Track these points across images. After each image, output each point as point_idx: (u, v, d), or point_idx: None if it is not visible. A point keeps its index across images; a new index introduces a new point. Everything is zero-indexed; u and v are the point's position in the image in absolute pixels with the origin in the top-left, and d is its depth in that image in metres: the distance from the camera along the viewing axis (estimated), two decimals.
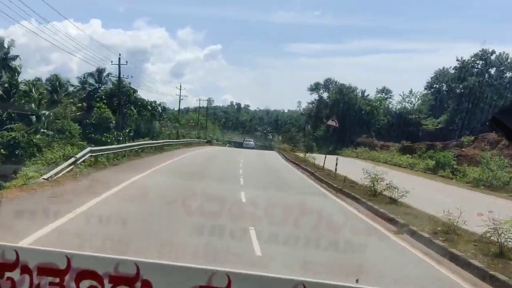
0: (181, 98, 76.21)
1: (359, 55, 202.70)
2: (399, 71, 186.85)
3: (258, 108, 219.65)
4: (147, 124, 58.58)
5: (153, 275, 2.48)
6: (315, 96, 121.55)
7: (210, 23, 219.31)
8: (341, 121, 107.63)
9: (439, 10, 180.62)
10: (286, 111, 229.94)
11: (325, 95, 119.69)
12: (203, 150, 49.91)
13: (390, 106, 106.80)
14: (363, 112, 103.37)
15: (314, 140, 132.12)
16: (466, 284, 10.20)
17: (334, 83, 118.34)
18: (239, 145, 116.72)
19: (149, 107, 61.18)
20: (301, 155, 64.14)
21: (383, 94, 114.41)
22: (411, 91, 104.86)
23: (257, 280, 2.47)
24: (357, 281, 2.95)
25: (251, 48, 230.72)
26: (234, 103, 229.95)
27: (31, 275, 2.47)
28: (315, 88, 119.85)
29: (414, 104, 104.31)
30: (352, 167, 34.25)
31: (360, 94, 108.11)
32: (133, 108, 57.91)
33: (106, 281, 2.47)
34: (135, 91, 60.65)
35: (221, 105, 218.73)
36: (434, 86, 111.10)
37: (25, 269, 2.46)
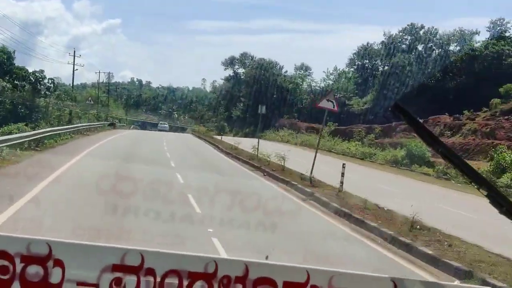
0: (75, 69, 60.81)
1: (261, 33, 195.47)
2: (303, 51, 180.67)
3: (160, 85, 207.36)
4: (29, 102, 43.46)
5: (66, 255, 2.37)
6: (229, 72, 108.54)
7: None
8: (260, 100, 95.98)
9: None
10: (190, 88, 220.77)
11: (241, 71, 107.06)
12: (105, 140, 35.63)
13: (313, 84, 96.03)
14: (284, 90, 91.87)
15: (226, 120, 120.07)
16: None
17: (251, 58, 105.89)
18: (144, 126, 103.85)
19: (31, 79, 45.74)
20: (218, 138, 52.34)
21: (302, 71, 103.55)
22: (335, 68, 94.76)
23: (170, 257, 2.42)
24: (266, 257, 2.75)
25: (151, 24, 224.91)
26: (135, 79, 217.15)
27: None
28: (230, 63, 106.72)
29: (337, 83, 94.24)
30: (305, 159, 24.85)
31: (279, 71, 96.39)
32: (3, 80, 42.02)
33: (17, 261, 2.35)
34: (10, 56, 44.96)
35: (121, 81, 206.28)
36: (357, 63, 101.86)
37: None
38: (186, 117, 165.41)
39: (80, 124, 39.65)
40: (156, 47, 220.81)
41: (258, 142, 30.65)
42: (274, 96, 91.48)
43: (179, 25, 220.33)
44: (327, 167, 24.39)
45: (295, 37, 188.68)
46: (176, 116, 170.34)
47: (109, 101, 74.68)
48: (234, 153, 34.81)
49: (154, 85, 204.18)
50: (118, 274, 2.40)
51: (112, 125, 57.21)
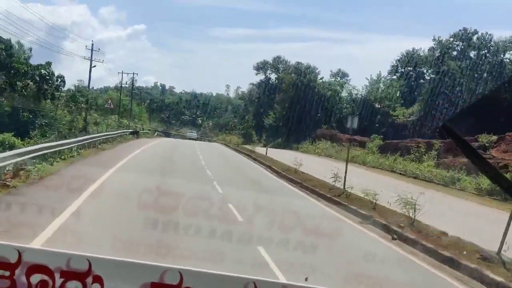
0: (93, 66, 51.24)
1: (285, 42, 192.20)
2: (329, 59, 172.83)
3: (183, 90, 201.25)
4: (32, 103, 34.81)
5: (105, 271, 2.37)
6: (261, 77, 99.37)
7: (134, 2, 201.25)
8: (297, 107, 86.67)
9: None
10: (214, 94, 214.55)
11: (273, 76, 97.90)
12: (125, 160, 24.27)
13: (354, 92, 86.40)
14: (322, 97, 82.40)
15: (254, 128, 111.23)
16: None
17: (285, 62, 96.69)
18: (168, 134, 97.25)
19: (36, 76, 37.05)
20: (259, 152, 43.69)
21: (339, 78, 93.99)
22: (379, 75, 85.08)
23: (209, 277, 2.41)
24: (306, 279, 2.86)
25: (175, 30, 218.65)
26: (159, 84, 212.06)
27: None
28: (262, 67, 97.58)
29: (382, 91, 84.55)
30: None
31: (316, 77, 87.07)
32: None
33: (57, 276, 2.36)
34: (8, 47, 36.17)
35: (144, 86, 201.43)
36: (400, 70, 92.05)
37: None
38: (210, 123, 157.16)
39: (93, 135, 30.32)
40: (180, 53, 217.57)
41: (346, 171, 21.00)
42: (311, 104, 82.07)
43: (203, 32, 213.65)
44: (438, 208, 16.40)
45: (320, 46, 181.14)
46: (200, 122, 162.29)
47: (132, 104, 65.95)
48: (307, 184, 22.96)
49: (177, 90, 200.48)
50: None
51: (135, 134, 48.71)
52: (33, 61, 53.10)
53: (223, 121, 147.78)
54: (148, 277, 2.35)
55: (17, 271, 2.35)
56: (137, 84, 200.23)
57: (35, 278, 2.35)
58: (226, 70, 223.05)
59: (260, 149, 57.34)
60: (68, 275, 2.34)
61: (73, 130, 35.13)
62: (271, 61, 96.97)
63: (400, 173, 42.40)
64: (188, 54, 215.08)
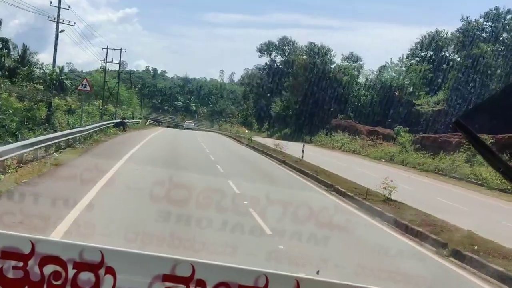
0: (60, 31, 38.15)
1: (279, 28, 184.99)
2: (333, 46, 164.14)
3: (176, 75, 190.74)
4: None
5: (118, 263, 2.36)
6: (265, 60, 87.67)
7: None
8: (309, 94, 75.27)
9: None
10: (208, 79, 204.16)
11: (279, 59, 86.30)
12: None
13: (372, 77, 75.02)
14: (337, 83, 71.07)
15: (256, 116, 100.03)
16: None
17: (292, 43, 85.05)
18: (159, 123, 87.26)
19: None
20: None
21: (351, 62, 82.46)
22: (402, 59, 73.81)
23: (221, 269, 2.40)
24: (317, 272, 2.73)
25: (168, 14, 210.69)
26: (150, 68, 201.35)
27: None
28: (266, 49, 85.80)
29: (402, 77, 73.31)
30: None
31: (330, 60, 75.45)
32: None
33: (70, 267, 2.35)
34: None
35: (135, 70, 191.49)
36: (421, 54, 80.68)
37: None
38: (205, 110, 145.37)
39: (52, 135, 18.30)
40: (172, 38, 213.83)
41: None
42: (326, 90, 70.73)
43: (196, 16, 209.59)
44: None
45: (316, 33, 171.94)
46: (194, 109, 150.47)
47: (119, 87, 53.55)
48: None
49: (169, 75, 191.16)
50: (168, 284, 2.35)
51: (122, 126, 36.89)
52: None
53: (219, 107, 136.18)
54: (160, 269, 2.30)
55: (30, 262, 2.32)
56: (127, 68, 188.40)
57: (48, 269, 2.32)
58: (219, 56, 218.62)
59: (268, 141, 46.34)
60: (81, 266, 2.31)
61: (28, 124, 23.89)
62: (277, 42, 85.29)
63: (476, 183, 31.26)
64: (180, 38, 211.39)
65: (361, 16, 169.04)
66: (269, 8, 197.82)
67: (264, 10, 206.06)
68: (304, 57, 72.13)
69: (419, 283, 8.05)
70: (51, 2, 39.47)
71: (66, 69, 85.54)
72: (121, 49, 51.27)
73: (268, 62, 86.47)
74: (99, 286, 2.34)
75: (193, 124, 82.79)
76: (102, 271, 2.33)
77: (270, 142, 45.39)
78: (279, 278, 2.39)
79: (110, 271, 2.34)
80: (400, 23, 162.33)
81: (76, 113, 36.33)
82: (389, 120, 68.79)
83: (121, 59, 54.29)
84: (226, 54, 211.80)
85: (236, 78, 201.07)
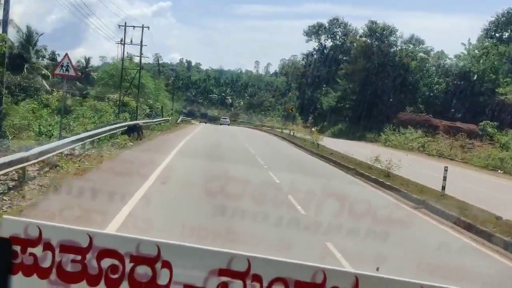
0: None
1: (311, 18, 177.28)
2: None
3: (210, 67, 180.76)
4: None
5: (174, 257, 2.32)
6: (313, 45, 74.69)
7: None
8: (371, 82, 61.92)
9: None
10: (243, 71, 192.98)
11: (328, 43, 73.16)
12: None
13: (447, 62, 61.35)
14: (403, 69, 57.80)
15: (300, 110, 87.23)
16: None
17: (344, 25, 71.78)
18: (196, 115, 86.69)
19: None
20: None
21: (412, 45, 68.59)
22: (482, 40, 59.93)
23: (277, 264, 2.31)
24: (377, 269, 2.57)
25: (200, 7, 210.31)
26: (184, 61, 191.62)
27: (53, 252, 2.33)
28: (315, 32, 72.72)
29: (482, 62, 59.40)
30: None
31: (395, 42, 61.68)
32: None
33: (127, 261, 2.32)
34: None
35: (169, 62, 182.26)
36: (497, 35, 66.32)
37: (48, 246, 2.33)
38: (242, 103, 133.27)
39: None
40: (206, 31, 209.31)
41: None
42: (390, 77, 57.62)
43: (229, 9, 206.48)
44: None
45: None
46: (230, 101, 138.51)
47: (140, 76, 41.11)
48: None
49: (204, 67, 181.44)
50: (224, 279, 2.30)
51: (135, 132, 24.38)
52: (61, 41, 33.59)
53: (257, 100, 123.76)
54: (216, 263, 2.27)
55: (88, 256, 2.31)
56: (162, 61, 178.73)
57: (106, 262, 2.31)
58: (253, 47, 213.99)
59: (330, 143, 34.34)
60: (138, 260, 2.29)
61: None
62: (327, 25, 72.07)
63: None
64: (214, 31, 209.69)
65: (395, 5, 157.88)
66: None
67: (296, 1, 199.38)
68: (364, 39, 58.94)
69: None
70: None
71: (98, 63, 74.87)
72: (143, 26, 39.17)
73: (317, 47, 73.39)
74: (155, 280, 2.28)
75: (228, 120, 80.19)
76: (158, 265, 2.28)
77: (340, 145, 33.18)
78: (338, 274, 2.26)
79: (167, 265, 2.28)
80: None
81: (72, 113, 24.66)
82: (465, 112, 55.31)
83: (152, 49, 42.29)
84: (260, 46, 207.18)
85: (272, 69, 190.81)
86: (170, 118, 43.75)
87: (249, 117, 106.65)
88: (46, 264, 2.33)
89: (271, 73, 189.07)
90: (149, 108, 43.41)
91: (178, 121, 51.78)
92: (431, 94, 57.32)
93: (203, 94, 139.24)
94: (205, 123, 77.50)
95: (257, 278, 2.27)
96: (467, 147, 43.47)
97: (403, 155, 27.02)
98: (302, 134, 44.14)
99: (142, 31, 38.71)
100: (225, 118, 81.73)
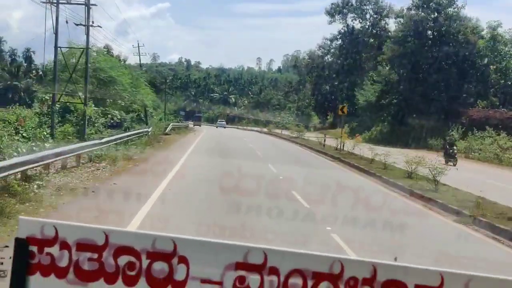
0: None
1: (311, 15, 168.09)
2: None
3: (210, 65, 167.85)
4: None
5: (190, 251, 2.25)
6: (337, 27, 58.36)
7: None
8: (421, 69, 44.35)
9: None
10: (245, 68, 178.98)
11: (357, 24, 56.75)
12: None
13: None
14: (469, 51, 41.59)
15: (316, 109, 71.48)
16: None
17: (374, 1, 55.49)
18: (198, 118, 75.67)
19: None
20: None
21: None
22: None
23: (294, 256, 2.23)
24: (395, 259, 2.48)
25: (199, 7, 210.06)
26: (184, 60, 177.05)
27: (70, 251, 2.27)
28: (340, 11, 56.31)
29: None
30: None
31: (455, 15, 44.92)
32: None
33: (143, 257, 2.25)
34: None
35: (168, 62, 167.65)
36: None
37: (64, 245, 2.28)
38: (246, 101, 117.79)
39: None
40: (205, 30, 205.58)
41: None
42: (451, 62, 41.54)
43: (227, 8, 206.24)
44: None
45: None
46: (233, 100, 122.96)
47: (88, 59, 23.68)
48: None
49: (204, 66, 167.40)
50: (241, 273, 2.24)
51: None
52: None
53: (264, 98, 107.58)
54: (233, 257, 2.19)
55: (104, 253, 2.26)
56: (160, 60, 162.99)
57: (123, 259, 2.24)
58: (253, 45, 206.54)
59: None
60: (154, 256, 2.22)
61: None
62: (354, 2, 55.57)
63: None
64: (213, 30, 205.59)
65: None
66: None
67: None
68: (412, 12, 42.66)
69: None
70: None
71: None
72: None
73: (344, 29, 56.79)
74: (172, 275, 2.23)
75: (224, 122, 79.06)
76: (175, 260, 2.23)
77: (400, 160, 17.61)
78: (355, 264, 2.20)
79: (183, 260, 2.23)
80: None
81: None
82: None
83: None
84: (261, 43, 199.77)
85: (275, 66, 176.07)
86: (149, 130, 27.50)
87: (256, 117, 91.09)
88: (63, 263, 2.27)
89: (273, 70, 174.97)
90: (118, 116, 27.34)
91: (168, 129, 35.57)
92: (509, 83, 41.07)
93: (204, 93, 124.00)
94: (199, 126, 64.80)
95: (274, 271, 2.19)
96: None
97: None
98: (350, 144, 27.65)
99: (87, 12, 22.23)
100: (221, 121, 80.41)
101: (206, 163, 18.16)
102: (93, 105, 25.40)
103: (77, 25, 21.76)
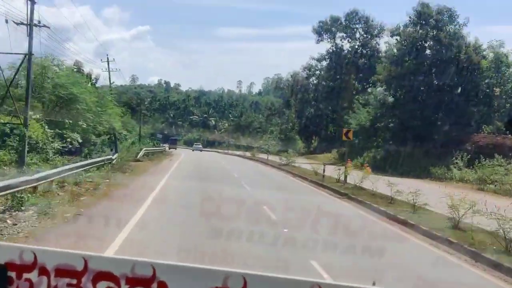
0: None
1: (291, 40, 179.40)
2: None
3: (190, 88, 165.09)
4: None
5: (169, 276, 2.23)
6: (325, 46, 54.62)
7: (137, 2, 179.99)
8: (420, 91, 40.34)
9: None
10: (226, 91, 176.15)
11: (346, 44, 53.04)
12: None
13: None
14: (471, 71, 38.03)
15: (301, 132, 67.49)
16: None
17: (364, 21, 51.96)
18: (173, 141, 74.64)
19: None
20: None
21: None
22: None
23: (273, 281, 2.23)
24: (374, 283, 2.54)
25: (179, 30, 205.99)
26: (163, 82, 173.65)
27: (48, 277, 2.25)
28: (328, 30, 52.58)
29: None
30: None
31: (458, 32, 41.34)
32: None
33: (122, 282, 2.23)
34: None
35: (147, 84, 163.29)
36: None
37: (43, 271, 2.25)
38: (226, 124, 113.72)
39: None
40: (185, 54, 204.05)
41: None
42: (454, 84, 37.89)
43: (208, 32, 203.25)
44: None
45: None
46: (213, 123, 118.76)
47: (30, 67, 16.28)
48: None
49: (184, 88, 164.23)
50: None
51: None
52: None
53: (245, 121, 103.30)
54: (212, 282, 2.17)
55: (83, 279, 2.23)
56: (139, 82, 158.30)
57: (102, 285, 2.22)
58: (234, 69, 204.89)
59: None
60: (133, 281, 2.19)
61: None
62: (343, 20, 51.92)
63: None
64: (193, 53, 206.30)
65: None
66: (280, 21, 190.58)
67: (276, 23, 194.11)
68: (409, 29, 38.96)
69: None
70: None
71: None
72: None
73: (332, 49, 52.91)
74: None
75: (200, 146, 78.30)
76: (154, 285, 2.20)
77: (425, 198, 13.01)
78: None
79: (162, 285, 2.20)
80: None
81: None
82: None
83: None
84: (241, 67, 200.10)
85: (255, 89, 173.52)
86: (114, 157, 22.79)
87: (236, 141, 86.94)
88: None
89: (254, 92, 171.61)
90: (79, 139, 22.55)
91: (140, 155, 30.80)
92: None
93: (183, 116, 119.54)
94: (175, 149, 64.63)
95: None
96: None
97: None
98: (357, 175, 23.04)
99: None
100: (197, 144, 79.95)
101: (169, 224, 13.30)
102: (46, 127, 20.61)
103: (17, 24, 17.16)
